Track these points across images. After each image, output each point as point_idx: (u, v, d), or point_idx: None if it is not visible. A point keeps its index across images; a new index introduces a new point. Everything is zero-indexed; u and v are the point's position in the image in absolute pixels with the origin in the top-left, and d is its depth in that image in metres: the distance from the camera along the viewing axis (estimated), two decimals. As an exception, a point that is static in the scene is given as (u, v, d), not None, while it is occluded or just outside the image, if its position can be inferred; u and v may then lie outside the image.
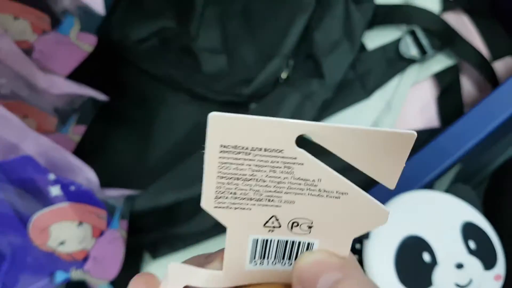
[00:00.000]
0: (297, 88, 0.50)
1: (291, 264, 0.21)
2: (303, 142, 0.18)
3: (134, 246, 0.53)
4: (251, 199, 0.19)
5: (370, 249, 0.38)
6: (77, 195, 0.39)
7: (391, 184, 0.19)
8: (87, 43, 0.48)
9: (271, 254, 0.21)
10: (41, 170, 0.37)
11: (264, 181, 0.18)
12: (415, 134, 0.17)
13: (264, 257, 0.21)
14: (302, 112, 0.50)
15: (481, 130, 0.41)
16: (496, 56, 0.53)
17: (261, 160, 0.18)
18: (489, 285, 0.40)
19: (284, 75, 0.53)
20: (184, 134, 0.56)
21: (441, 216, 0.39)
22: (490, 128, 0.41)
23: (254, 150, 0.17)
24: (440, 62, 0.52)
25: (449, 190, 0.41)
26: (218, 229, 0.52)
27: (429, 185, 0.43)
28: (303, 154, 0.18)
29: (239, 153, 0.17)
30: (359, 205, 0.19)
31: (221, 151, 0.17)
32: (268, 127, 0.17)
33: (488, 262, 0.40)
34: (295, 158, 0.18)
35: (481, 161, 0.47)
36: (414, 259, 0.38)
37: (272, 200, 0.19)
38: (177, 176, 0.50)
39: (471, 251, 0.39)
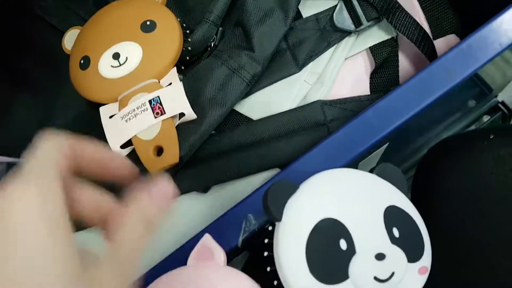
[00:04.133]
0: (226, 61, 0.45)
1: None
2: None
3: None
4: None
5: (281, 234, 0.33)
6: None
7: None
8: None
9: None
10: None
11: None
12: None
13: None
14: (230, 87, 0.45)
15: (411, 107, 0.37)
16: (438, 34, 0.49)
17: None
18: (413, 278, 0.35)
19: (215, 42, 0.48)
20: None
21: (362, 198, 0.34)
22: (421, 106, 0.37)
23: None
24: (378, 35, 0.47)
25: (373, 169, 0.36)
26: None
27: (353, 166, 0.39)
28: None
29: None
30: None
31: None
32: None
33: (413, 254, 0.35)
34: None
35: (412, 147, 0.43)
36: (328, 246, 0.32)
37: None
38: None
39: (394, 240, 0.34)
